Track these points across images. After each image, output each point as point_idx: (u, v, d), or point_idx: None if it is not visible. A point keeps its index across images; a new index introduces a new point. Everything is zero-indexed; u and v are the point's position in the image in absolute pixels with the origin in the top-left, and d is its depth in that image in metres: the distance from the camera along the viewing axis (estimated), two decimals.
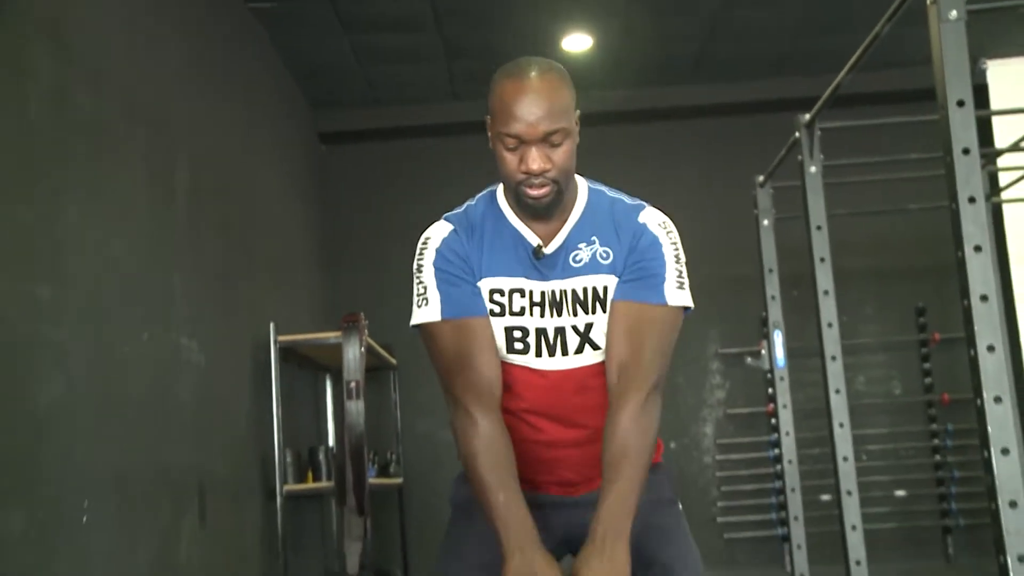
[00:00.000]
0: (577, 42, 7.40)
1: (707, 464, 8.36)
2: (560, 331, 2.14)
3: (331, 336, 6.19)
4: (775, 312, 5.98)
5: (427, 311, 2.13)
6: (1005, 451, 3.12)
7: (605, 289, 2.13)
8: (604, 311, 2.12)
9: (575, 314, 2.13)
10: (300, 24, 6.88)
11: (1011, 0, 5.88)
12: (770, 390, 7.45)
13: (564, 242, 2.15)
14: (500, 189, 2.21)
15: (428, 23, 6.98)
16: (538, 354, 2.14)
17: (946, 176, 3.33)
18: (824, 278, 5.05)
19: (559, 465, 2.23)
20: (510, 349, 2.15)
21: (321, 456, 6.43)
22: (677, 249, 2.14)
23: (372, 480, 6.34)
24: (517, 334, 2.14)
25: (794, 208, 5.39)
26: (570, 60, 7.60)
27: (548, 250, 2.13)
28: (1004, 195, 6.52)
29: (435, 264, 2.15)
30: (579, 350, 2.14)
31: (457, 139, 8.22)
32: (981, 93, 7.52)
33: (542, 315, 2.14)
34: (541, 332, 2.14)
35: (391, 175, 8.52)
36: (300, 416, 6.91)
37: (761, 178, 6.06)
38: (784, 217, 5.98)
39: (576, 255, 2.14)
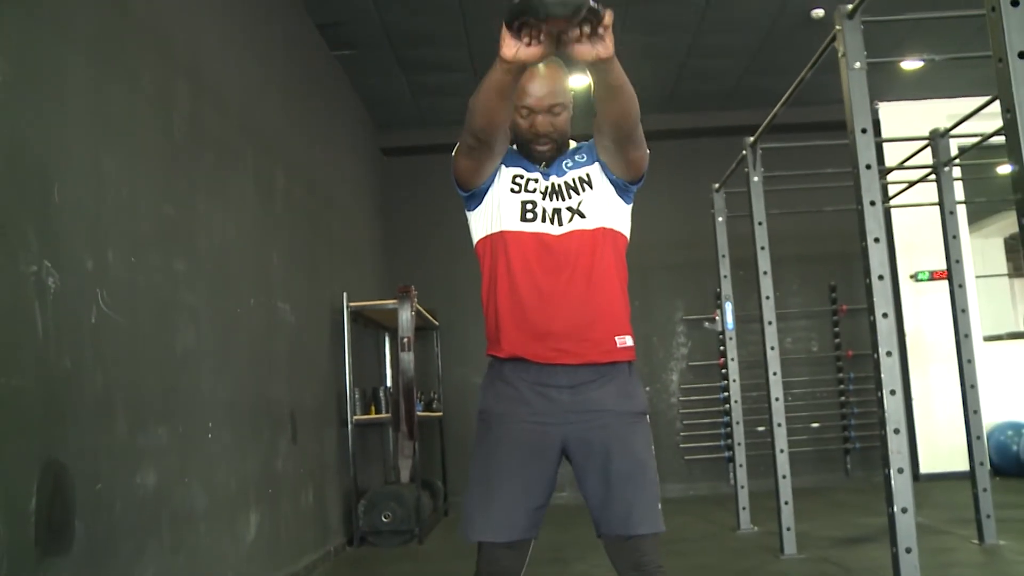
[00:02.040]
0: (579, 80, 7.43)
1: (673, 403, 8.42)
2: (557, 210, 2.23)
3: (389, 302, 6.27)
4: (726, 287, 6.03)
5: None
6: (892, 392, 3.18)
7: (589, 175, 2.26)
8: (591, 188, 2.24)
9: (569, 197, 2.24)
10: (370, 66, 6.94)
11: (895, 58, 6.04)
12: (721, 347, 7.52)
13: (557, 160, 2.29)
14: (514, 147, 2.31)
15: (465, 65, 7.03)
16: (543, 221, 2.22)
17: (853, 185, 3.36)
18: (764, 262, 5.10)
19: (559, 310, 2.18)
20: (523, 218, 2.23)
21: (381, 394, 6.48)
22: None
23: (419, 413, 6.42)
24: (529, 206, 2.23)
25: (741, 208, 5.45)
26: (573, 94, 7.64)
27: (547, 168, 2.28)
28: (893, 202, 6.58)
29: None
30: (571, 220, 2.22)
31: None
32: (875, 126, 7.60)
33: (544, 198, 2.24)
34: (544, 209, 2.23)
35: (435, 180, 8.50)
36: (365, 363, 6.98)
37: (717, 185, 6.10)
38: (734, 215, 6.02)
39: (566, 162, 2.28)
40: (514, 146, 2.31)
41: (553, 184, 2.26)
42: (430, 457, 7.80)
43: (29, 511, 2.40)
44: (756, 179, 5.19)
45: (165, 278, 3.41)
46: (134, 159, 3.22)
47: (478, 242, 2.33)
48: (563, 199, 2.24)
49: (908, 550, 3.09)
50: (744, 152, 5.23)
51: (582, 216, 2.23)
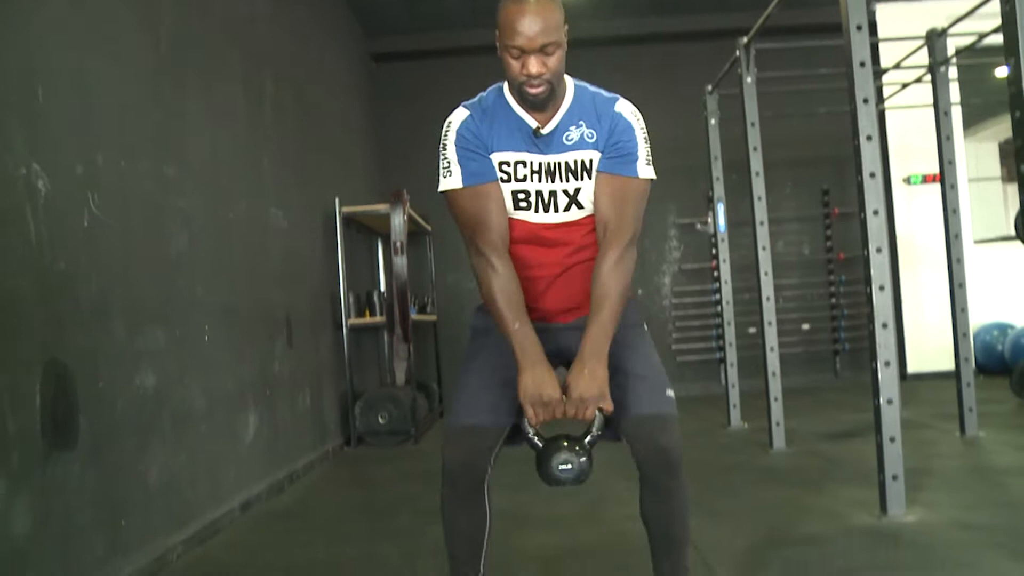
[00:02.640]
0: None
1: (665, 306, 8.50)
2: (553, 193, 2.12)
3: (382, 208, 6.27)
4: (719, 189, 6.02)
5: (451, 180, 2.12)
6: (882, 287, 3.23)
7: (591, 161, 2.11)
8: (590, 178, 2.11)
9: (567, 180, 2.12)
10: None
11: None
12: (714, 250, 7.56)
13: (557, 125, 2.11)
14: (505, 86, 2.15)
15: None
16: (536, 210, 2.14)
17: (847, 83, 3.33)
18: (756, 162, 5.10)
19: (549, 294, 2.21)
20: (516, 207, 2.15)
21: (375, 298, 6.54)
22: (645, 133, 2.14)
23: (413, 316, 6.48)
24: (521, 195, 2.14)
25: (734, 111, 5.41)
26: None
27: (545, 131, 2.10)
28: (887, 104, 6.52)
29: (456, 142, 2.12)
30: (567, 208, 2.14)
31: (477, 58, 8.00)
32: (871, 26, 7.48)
33: (539, 181, 2.12)
34: (539, 194, 2.13)
35: (425, 85, 8.45)
36: (359, 268, 7.00)
37: (710, 87, 6.03)
38: (726, 118, 5.98)
39: (568, 135, 2.11)
40: (505, 86, 2.16)
41: (549, 163, 2.13)
42: (425, 360, 7.89)
43: (35, 408, 2.45)
44: (749, 80, 5.14)
45: (156, 183, 3.40)
46: (119, 62, 3.18)
47: None
48: (560, 180, 2.13)
49: (892, 439, 3.18)
50: (737, 53, 5.17)
51: (580, 207, 2.15)
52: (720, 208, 5.99)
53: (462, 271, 8.16)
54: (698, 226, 8.35)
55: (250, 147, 4.62)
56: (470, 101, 2.20)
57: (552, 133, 2.12)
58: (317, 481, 4.94)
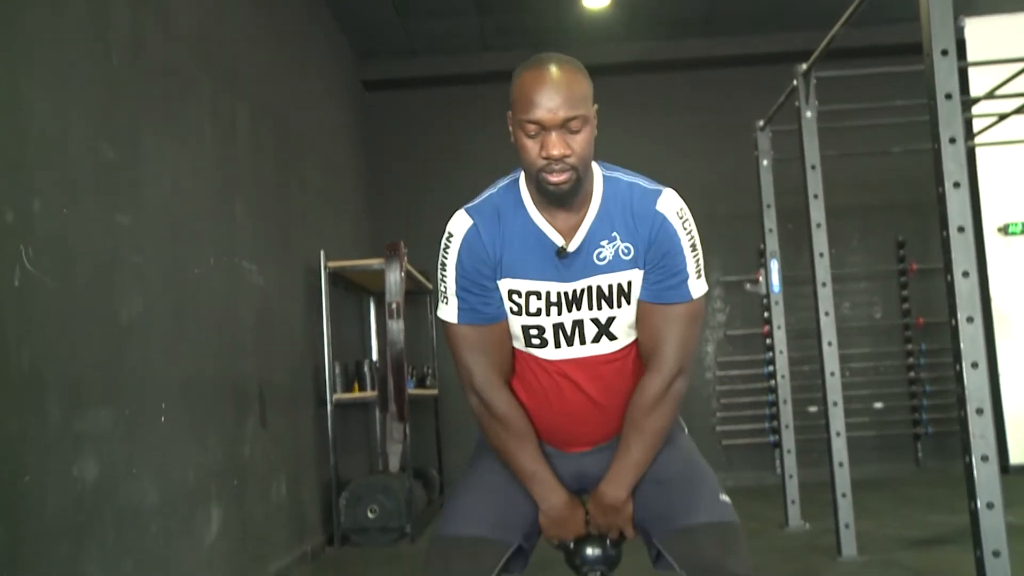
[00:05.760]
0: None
1: (708, 380, 8.39)
2: (578, 323, 2.04)
3: (374, 263, 6.23)
4: (772, 243, 5.95)
5: (448, 311, 2.06)
6: (975, 365, 3.13)
7: (629, 284, 2.01)
8: (628, 304, 2.02)
9: (599, 308, 2.02)
10: None
11: None
12: (766, 314, 7.46)
13: (586, 237, 2.00)
14: (522, 179, 2.04)
15: None
16: (556, 345, 2.05)
17: (930, 119, 3.27)
18: (817, 212, 5.03)
19: (573, 435, 2.17)
20: (527, 344, 2.07)
21: (366, 369, 6.46)
22: (693, 238, 2.01)
23: (411, 391, 6.40)
24: (534, 331, 2.05)
25: (790, 150, 5.36)
26: (589, 16, 7.53)
27: (571, 248, 2.00)
28: (978, 140, 6.46)
29: (456, 269, 2.04)
30: (596, 339, 2.04)
31: (486, 86, 8.11)
32: (959, 47, 7.46)
33: (559, 312, 2.03)
34: (558, 327, 2.04)
35: (427, 118, 8.47)
36: (347, 333, 6.94)
37: (761, 123, 6.00)
38: (781, 158, 5.94)
39: (600, 252, 2.00)
40: (521, 178, 2.06)
41: (575, 291, 2.02)
42: (423, 442, 7.78)
43: None
44: (809, 115, 5.10)
45: (106, 232, 3.34)
46: (62, 88, 3.14)
47: None
48: (588, 308, 2.03)
49: (996, 553, 3.05)
50: (795, 83, 5.13)
51: (612, 338, 2.06)
52: (774, 265, 5.91)
53: None
54: (747, 286, 8.26)
55: (220, 189, 4.58)
56: (476, 201, 2.08)
57: (579, 250, 2.01)
58: None
